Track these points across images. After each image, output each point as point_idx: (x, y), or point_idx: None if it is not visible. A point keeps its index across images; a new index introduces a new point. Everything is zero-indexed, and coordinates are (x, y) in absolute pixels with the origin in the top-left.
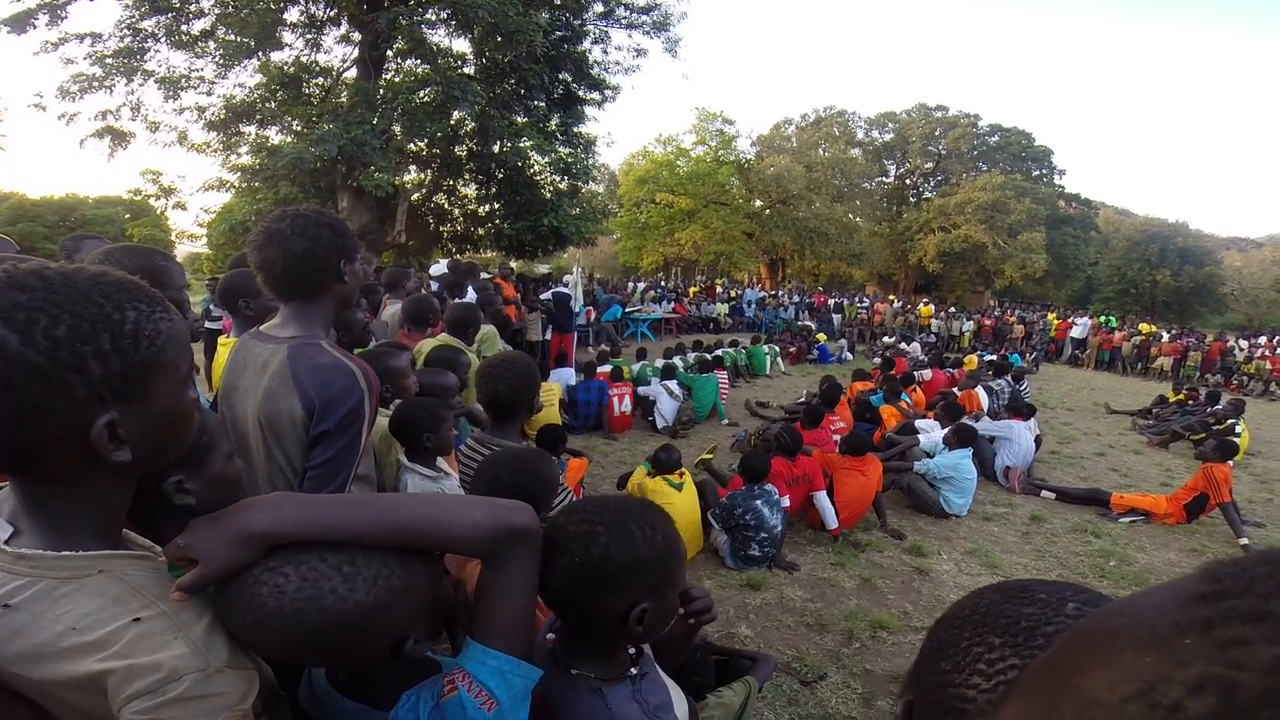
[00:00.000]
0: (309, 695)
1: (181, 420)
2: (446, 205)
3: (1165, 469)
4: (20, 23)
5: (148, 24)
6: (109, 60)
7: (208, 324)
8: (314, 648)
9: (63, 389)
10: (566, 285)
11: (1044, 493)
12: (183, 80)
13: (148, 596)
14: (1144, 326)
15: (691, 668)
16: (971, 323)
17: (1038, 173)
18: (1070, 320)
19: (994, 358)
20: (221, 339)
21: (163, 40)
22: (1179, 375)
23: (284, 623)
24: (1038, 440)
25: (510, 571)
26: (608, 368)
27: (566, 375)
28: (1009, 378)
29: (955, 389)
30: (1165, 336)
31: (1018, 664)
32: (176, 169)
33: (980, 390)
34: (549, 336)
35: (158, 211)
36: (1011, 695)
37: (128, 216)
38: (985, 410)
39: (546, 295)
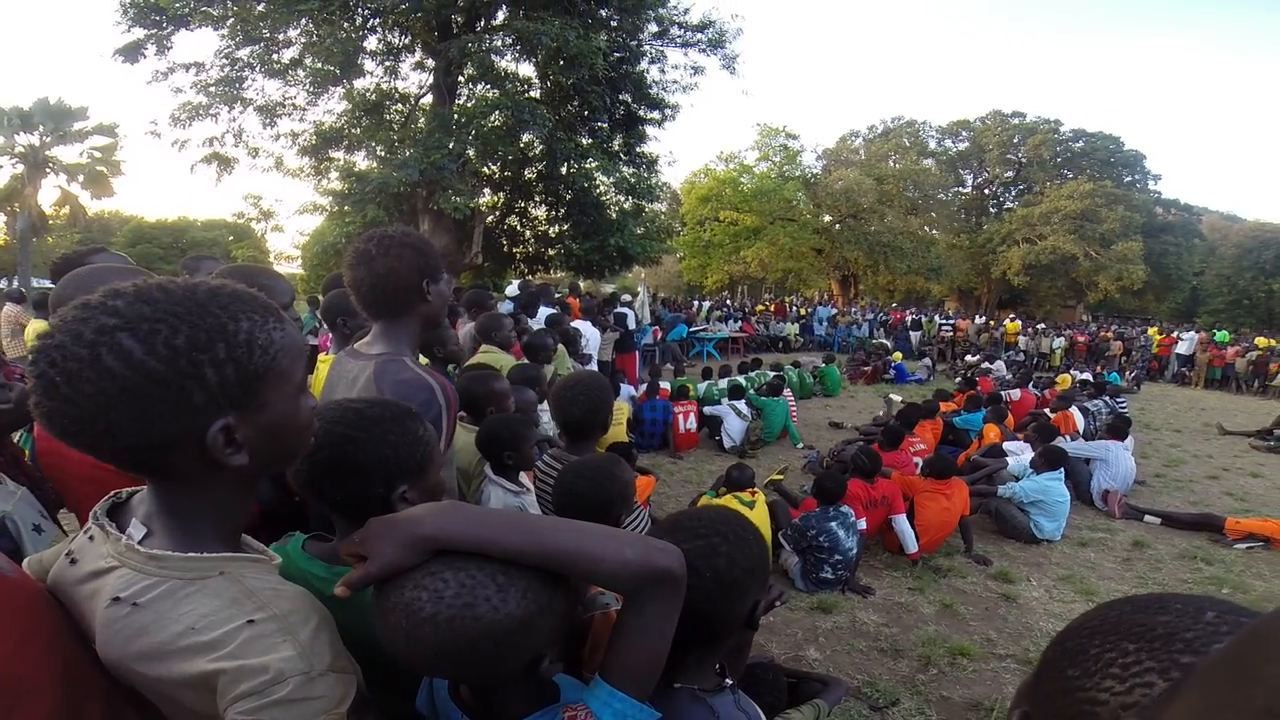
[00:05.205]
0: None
1: (297, 425)
2: (519, 227)
3: None
4: (132, 52)
5: (243, 53)
6: (212, 89)
7: (310, 340)
8: (461, 658)
9: (182, 395)
10: (629, 304)
11: (1148, 518)
12: (278, 107)
13: (262, 599)
14: (1261, 340)
15: (764, 688)
16: (1063, 339)
17: (1130, 179)
18: (1175, 335)
19: (1088, 376)
20: (321, 356)
21: (258, 69)
22: None
23: (437, 629)
24: None
25: (650, 615)
26: (666, 385)
27: (624, 393)
28: (1106, 397)
29: (1047, 410)
30: None
31: (1155, 667)
32: (274, 193)
33: (1075, 411)
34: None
35: (258, 234)
36: (1183, 691)
37: (231, 238)
38: (1080, 432)
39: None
